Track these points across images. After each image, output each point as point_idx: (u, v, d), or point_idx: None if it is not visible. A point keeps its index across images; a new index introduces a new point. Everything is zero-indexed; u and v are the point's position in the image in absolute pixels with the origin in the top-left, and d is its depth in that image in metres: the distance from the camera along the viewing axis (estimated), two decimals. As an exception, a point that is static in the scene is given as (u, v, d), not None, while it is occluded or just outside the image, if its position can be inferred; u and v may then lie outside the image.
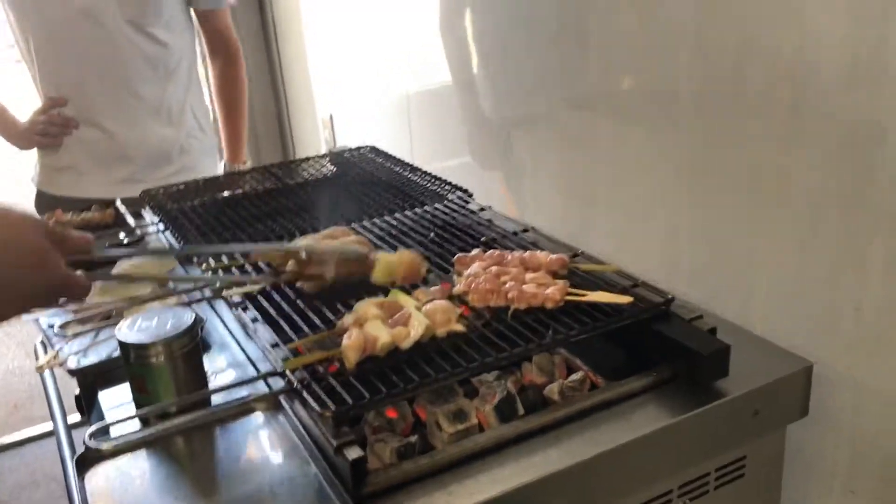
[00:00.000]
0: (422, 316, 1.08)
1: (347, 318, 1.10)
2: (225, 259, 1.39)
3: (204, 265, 1.39)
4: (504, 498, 0.93)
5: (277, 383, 1.12)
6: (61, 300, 0.94)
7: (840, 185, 1.07)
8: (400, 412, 1.09)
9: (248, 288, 1.28)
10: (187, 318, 1.11)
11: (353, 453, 0.92)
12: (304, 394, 0.99)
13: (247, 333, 1.25)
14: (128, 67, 2.03)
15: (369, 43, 2.42)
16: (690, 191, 1.32)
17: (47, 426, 1.23)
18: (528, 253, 1.26)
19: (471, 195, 1.66)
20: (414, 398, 1.09)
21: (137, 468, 1.01)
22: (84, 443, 1.02)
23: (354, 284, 1.23)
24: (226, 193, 1.81)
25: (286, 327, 1.15)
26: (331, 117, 2.93)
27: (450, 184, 1.72)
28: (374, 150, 2.06)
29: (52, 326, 1.29)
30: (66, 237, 0.95)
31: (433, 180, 1.76)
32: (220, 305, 1.37)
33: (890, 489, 1.12)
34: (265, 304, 1.23)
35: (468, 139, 2.00)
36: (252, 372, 1.18)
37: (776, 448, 1.17)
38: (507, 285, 1.16)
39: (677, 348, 1.08)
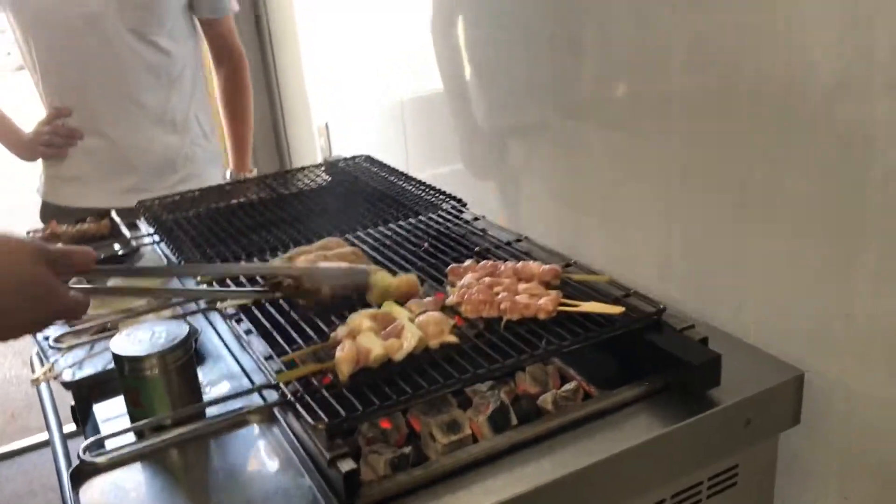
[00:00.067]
0: (415, 327, 1.09)
1: (341, 330, 1.10)
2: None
3: (199, 277, 1.39)
4: (498, 509, 0.93)
5: (272, 395, 1.12)
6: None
7: (829, 194, 1.08)
8: (394, 423, 1.09)
9: (242, 300, 1.28)
10: (182, 330, 1.11)
11: (347, 465, 0.92)
12: (298, 406, 1.00)
13: (241, 345, 1.26)
14: (131, 76, 2.03)
15: (364, 50, 2.43)
16: (683, 200, 1.33)
17: (45, 435, 1.24)
18: (520, 263, 1.26)
19: (465, 204, 1.67)
20: (408, 409, 1.10)
21: (132, 481, 1.01)
22: (78, 456, 1.02)
23: (349, 296, 1.24)
24: (221, 204, 1.82)
25: (280, 339, 1.16)
26: (326, 125, 2.94)
27: (444, 193, 1.72)
28: (368, 159, 2.06)
29: (47, 339, 1.29)
30: (69, 257, 0.95)
31: (427, 190, 1.77)
32: (215, 317, 1.37)
33: (884, 495, 1.13)
34: (259, 315, 1.24)
35: (461, 148, 2.01)
36: (246, 384, 1.19)
37: (768, 456, 1.18)
38: (499, 296, 1.17)
39: (669, 358, 1.09)
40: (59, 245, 0.98)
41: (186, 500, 0.98)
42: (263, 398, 1.13)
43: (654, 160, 1.37)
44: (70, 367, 1.24)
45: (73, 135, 2.07)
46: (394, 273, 1.28)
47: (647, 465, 1.03)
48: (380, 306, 1.18)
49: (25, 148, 2.14)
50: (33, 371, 1.33)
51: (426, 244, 1.48)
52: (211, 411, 1.11)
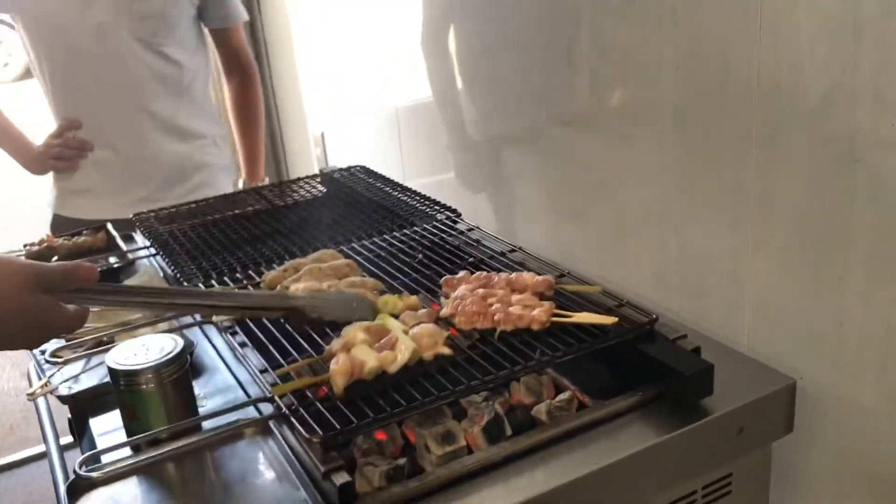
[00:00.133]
0: (409, 340, 1.09)
1: (335, 343, 1.11)
2: (216, 286, 1.40)
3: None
4: (492, 520, 0.94)
5: (267, 408, 1.12)
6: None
7: (820, 204, 1.09)
8: (389, 434, 1.10)
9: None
10: (177, 344, 1.12)
11: (341, 478, 0.93)
12: (293, 419, 1.00)
13: (236, 358, 1.26)
14: (140, 86, 2.04)
15: (360, 60, 2.44)
16: (676, 209, 1.33)
17: (43, 447, 1.24)
18: (514, 275, 1.27)
19: (459, 215, 1.67)
20: (403, 421, 1.10)
21: (129, 495, 1.01)
22: (75, 471, 1.03)
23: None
24: (217, 215, 1.82)
25: (275, 352, 1.16)
26: (322, 135, 2.95)
27: (438, 203, 1.73)
28: (364, 169, 2.07)
29: (43, 353, 1.30)
30: (71, 277, 0.95)
31: (422, 200, 1.78)
32: (210, 329, 1.38)
33: (878, 502, 1.14)
34: (254, 328, 1.24)
35: (455, 159, 2.01)
36: (242, 396, 1.19)
37: (762, 465, 1.19)
38: (493, 307, 1.17)
39: (662, 368, 1.09)
40: (59, 263, 0.98)
41: (182, 514, 0.99)
42: (259, 411, 1.14)
43: (648, 169, 1.37)
44: (66, 381, 1.24)
45: (84, 147, 2.07)
46: (393, 292, 1.28)
47: (642, 474, 1.04)
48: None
49: (35, 161, 2.14)
50: (30, 385, 1.33)
51: (420, 255, 1.49)
52: (207, 424, 1.12)
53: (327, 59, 2.71)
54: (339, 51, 2.58)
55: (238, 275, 1.46)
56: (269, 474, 1.03)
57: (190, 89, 2.12)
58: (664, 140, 1.32)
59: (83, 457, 1.05)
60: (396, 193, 1.86)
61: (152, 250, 1.71)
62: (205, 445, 1.08)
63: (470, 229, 1.60)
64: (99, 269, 1.63)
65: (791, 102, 1.09)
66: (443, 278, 1.31)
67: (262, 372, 1.13)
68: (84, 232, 1.82)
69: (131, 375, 1.07)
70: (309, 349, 1.17)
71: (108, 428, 1.16)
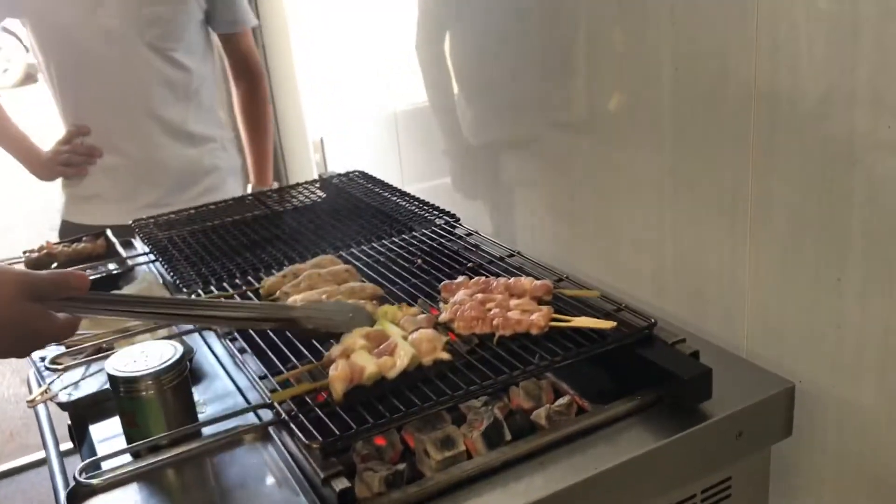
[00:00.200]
0: (408, 345, 1.10)
1: (335, 349, 1.11)
2: (216, 292, 1.40)
3: (193, 296, 1.40)
4: (491, 525, 0.94)
5: (266, 414, 1.13)
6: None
7: (818, 206, 1.09)
8: (388, 440, 1.10)
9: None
10: (176, 350, 1.12)
11: (340, 484, 0.93)
12: (292, 425, 1.00)
13: (236, 364, 1.26)
14: (148, 91, 2.04)
15: (359, 66, 2.45)
16: (675, 213, 1.34)
17: (43, 454, 1.24)
18: (512, 279, 1.27)
19: (458, 220, 1.67)
20: (402, 426, 1.10)
21: (129, 501, 1.01)
22: (75, 478, 1.03)
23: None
24: (216, 221, 1.82)
25: (274, 358, 1.17)
26: (321, 140, 2.95)
27: (437, 209, 1.73)
28: (363, 174, 2.07)
29: (43, 360, 1.30)
30: (62, 285, 0.95)
31: (421, 205, 1.78)
32: (210, 336, 1.38)
33: (877, 505, 1.14)
34: (253, 334, 1.24)
35: (452, 164, 2.02)
36: (241, 402, 1.20)
37: (761, 468, 1.19)
38: (492, 312, 1.17)
39: (661, 372, 1.09)
40: (49, 271, 0.98)
41: (182, 521, 0.99)
42: (258, 417, 1.14)
43: (646, 173, 1.38)
44: (66, 388, 1.25)
45: (93, 153, 2.07)
46: (392, 297, 1.28)
47: (641, 478, 1.04)
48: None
49: (44, 167, 2.13)
50: (30, 392, 1.33)
51: (419, 260, 1.49)
52: (206, 431, 1.12)
53: (326, 65, 2.72)
54: (339, 57, 2.59)
55: (237, 281, 1.46)
56: (268, 480, 1.03)
57: (198, 94, 2.13)
58: (662, 143, 1.32)
59: (83, 463, 1.05)
60: (395, 199, 1.86)
61: (151, 256, 1.71)
62: (205, 452, 1.09)
63: (468, 234, 1.61)
64: (98, 276, 1.65)
65: (789, 104, 1.09)
66: (441, 283, 1.31)
67: (261, 378, 1.13)
68: (83, 238, 1.82)
69: (131, 382, 1.07)
70: (308, 355, 1.17)
71: (108, 434, 1.16)
